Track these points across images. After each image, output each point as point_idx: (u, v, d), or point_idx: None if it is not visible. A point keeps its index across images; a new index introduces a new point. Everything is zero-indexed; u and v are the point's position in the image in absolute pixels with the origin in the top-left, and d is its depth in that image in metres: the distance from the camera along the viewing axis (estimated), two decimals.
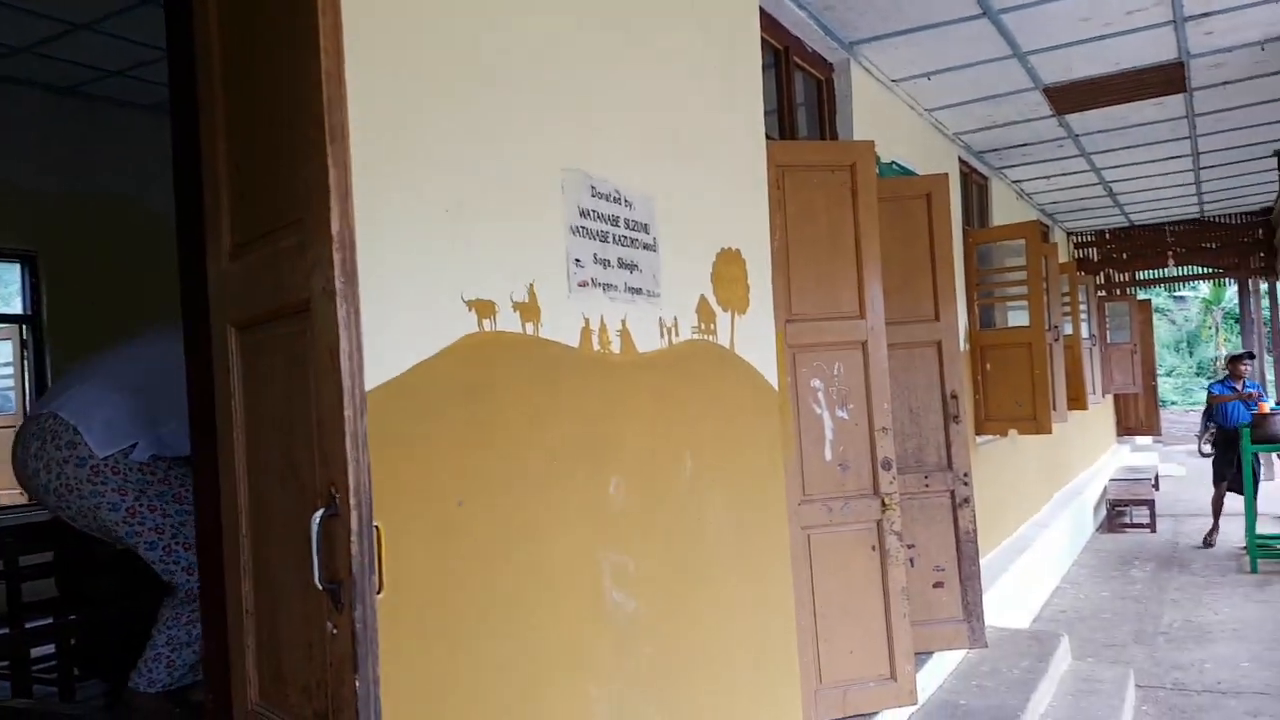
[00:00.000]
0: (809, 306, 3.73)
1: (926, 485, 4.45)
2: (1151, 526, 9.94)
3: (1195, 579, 7.68)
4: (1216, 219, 10.26)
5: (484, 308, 2.16)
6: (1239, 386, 8.46)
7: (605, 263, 2.58)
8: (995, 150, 6.62)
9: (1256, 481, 8.19)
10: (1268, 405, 8.08)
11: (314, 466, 1.51)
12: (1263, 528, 8.09)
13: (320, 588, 1.41)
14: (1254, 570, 7.70)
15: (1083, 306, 9.79)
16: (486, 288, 2.17)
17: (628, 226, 2.69)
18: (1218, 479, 8.57)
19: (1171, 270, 10.69)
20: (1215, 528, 8.70)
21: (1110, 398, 13.89)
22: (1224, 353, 34.33)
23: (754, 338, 3.38)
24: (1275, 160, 7.40)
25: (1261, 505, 8.37)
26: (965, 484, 4.47)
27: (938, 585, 4.44)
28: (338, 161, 1.50)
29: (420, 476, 1.93)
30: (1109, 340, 12.42)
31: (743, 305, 3.32)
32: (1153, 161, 7.28)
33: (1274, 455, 9.62)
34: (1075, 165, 7.27)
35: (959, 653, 4.68)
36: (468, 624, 2.05)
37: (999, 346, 6.29)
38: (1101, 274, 11.19)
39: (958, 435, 4.48)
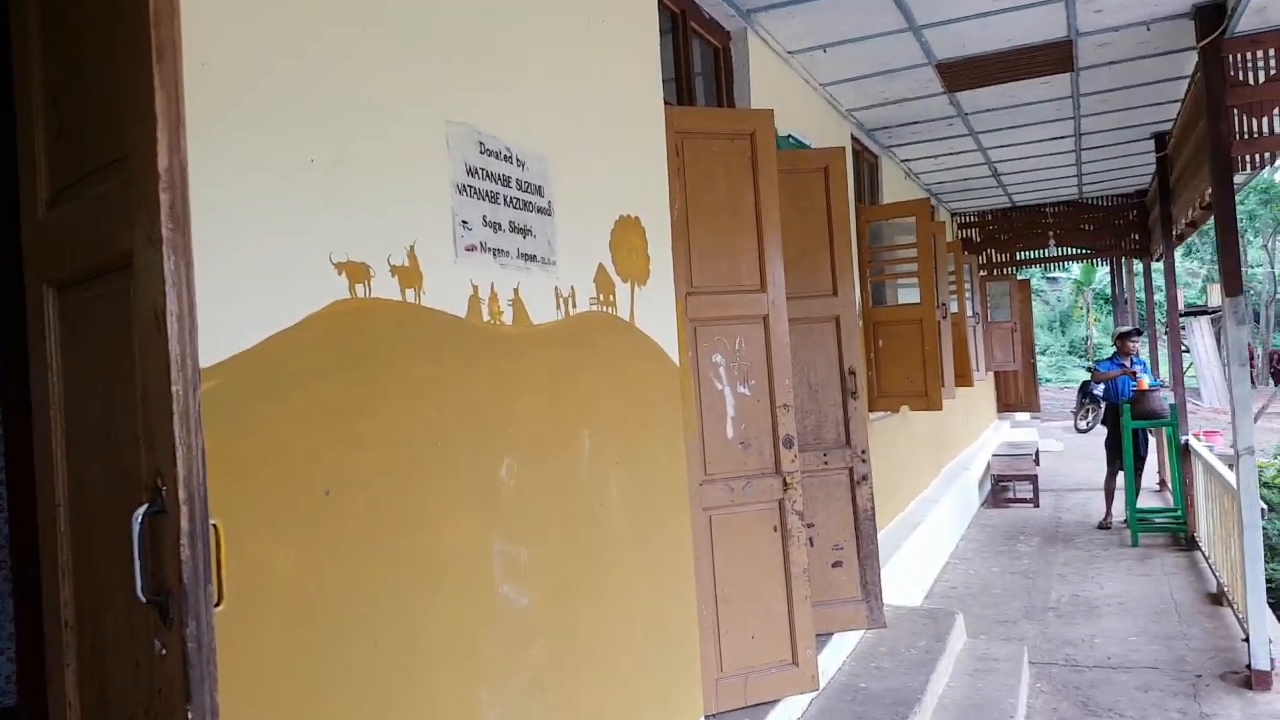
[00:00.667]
0: (710, 279, 3.58)
1: (825, 463, 4.39)
2: (1034, 501, 10.28)
3: (1080, 553, 7.94)
4: (1093, 201, 10.66)
5: (357, 271, 1.91)
6: (1127, 364, 8.70)
7: (496, 226, 2.36)
8: (886, 128, 6.64)
9: (1141, 458, 8.47)
10: (1146, 381, 8.41)
11: (139, 453, 1.26)
12: (1141, 502, 8.43)
13: (144, 600, 1.16)
14: (1135, 544, 8.00)
15: (966, 286, 10.05)
16: (360, 249, 1.92)
17: (520, 188, 2.47)
18: (1111, 459, 8.71)
19: (1052, 251, 11.05)
20: (1109, 511, 8.80)
21: (991, 375, 14.40)
22: (1094, 332, 36.27)
23: (655, 311, 3.21)
24: (1153, 144, 7.67)
25: (1145, 480, 8.68)
26: (864, 461, 4.43)
27: (836, 565, 4.40)
28: (166, 83, 1.24)
29: (278, 464, 1.68)
30: (990, 319, 12.85)
31: (643, 276, 3.14)
32: (1037, 142, 7.44)
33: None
34: (963, 145, 7.38)
35: (857, 633, 4.66)
36: (339, 628, 1.81)
37: (891, 323, 6.32)
38: (983, 254, 11.51)
39: (856, 412, 4.43)
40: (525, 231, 2.47)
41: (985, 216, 11.27)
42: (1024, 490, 10.53)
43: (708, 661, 3.45)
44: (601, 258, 2.87)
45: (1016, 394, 15.50)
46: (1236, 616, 5.49)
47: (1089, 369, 9.23)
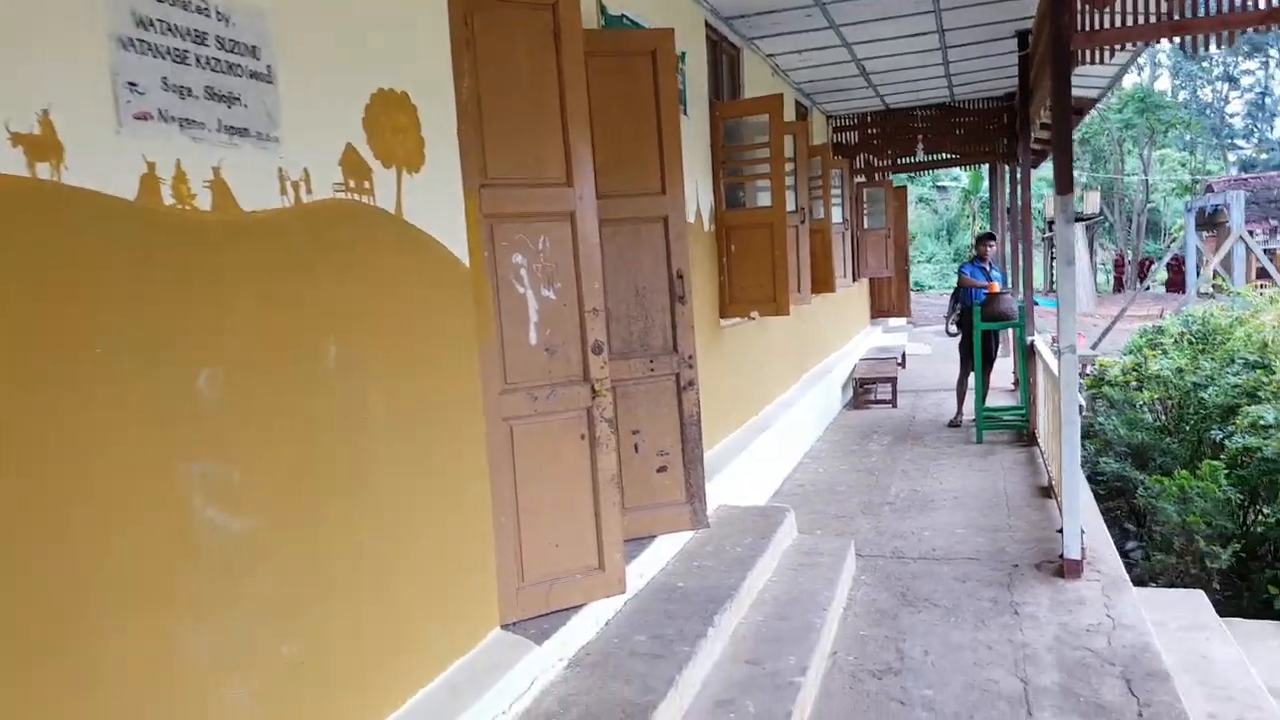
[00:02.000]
0: (509, 170, 3.27)
1: (652, 369, 4.22)
2: (893, 402, 10.51)
3: (927, 450, 8.14)
4: (964, 104, 10.62)
5: None
6: (986, 267, 8.83)
7: (184, 91, 1.99)
8: (744, 17, 6.31)
9: (990, 359, 8.67)
10: (997, 285, 8.54)
11: None
12: (993, 401, 8.65)
13: None
14: (979, 441, 8.25)
15: (837, 191, 9.96)
16: None
17: (223, 47, 2.10)
18: (963, 360, 8.92)
19: (925, 157, 11.04)
20: (960, 410, 9.02)
21: (865, 282, 14.57)
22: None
23: (434, 203, 2.90)
24: (1016, 42, 7.56)
25: (994, 380, 8.92)
26: (690, 367, 4.27)
27: (661, 470, 4.28)
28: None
29: None
30: (865, 226, 12.89)
31: (415, 162, 2.81)
32: (901, 38, 7.25)
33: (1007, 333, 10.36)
34: (826, 39, 7.13)
35: (685, 535, 4.59)
36: None
37: (742, 228, 6.14)
38: (860, 159, 11.42)
39: (683, 317, 4.25)
40: (231, 99, 2.11)
41: (863, 120, 11.15)
42: (885, 392, 10.74)
43: (508, 571, 3.29)
44: (351, 137, 2.53)
45: (889, 300, 15.76)
46: (1060, 509, 5.68)
47: (957, 273, 9.29)
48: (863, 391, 11.03)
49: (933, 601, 4.57)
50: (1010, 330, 9.37)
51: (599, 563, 3.52)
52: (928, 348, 16.02)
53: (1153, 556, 5.92)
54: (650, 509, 4.26)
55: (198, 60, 2.03)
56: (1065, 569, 4.74)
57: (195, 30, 2.03)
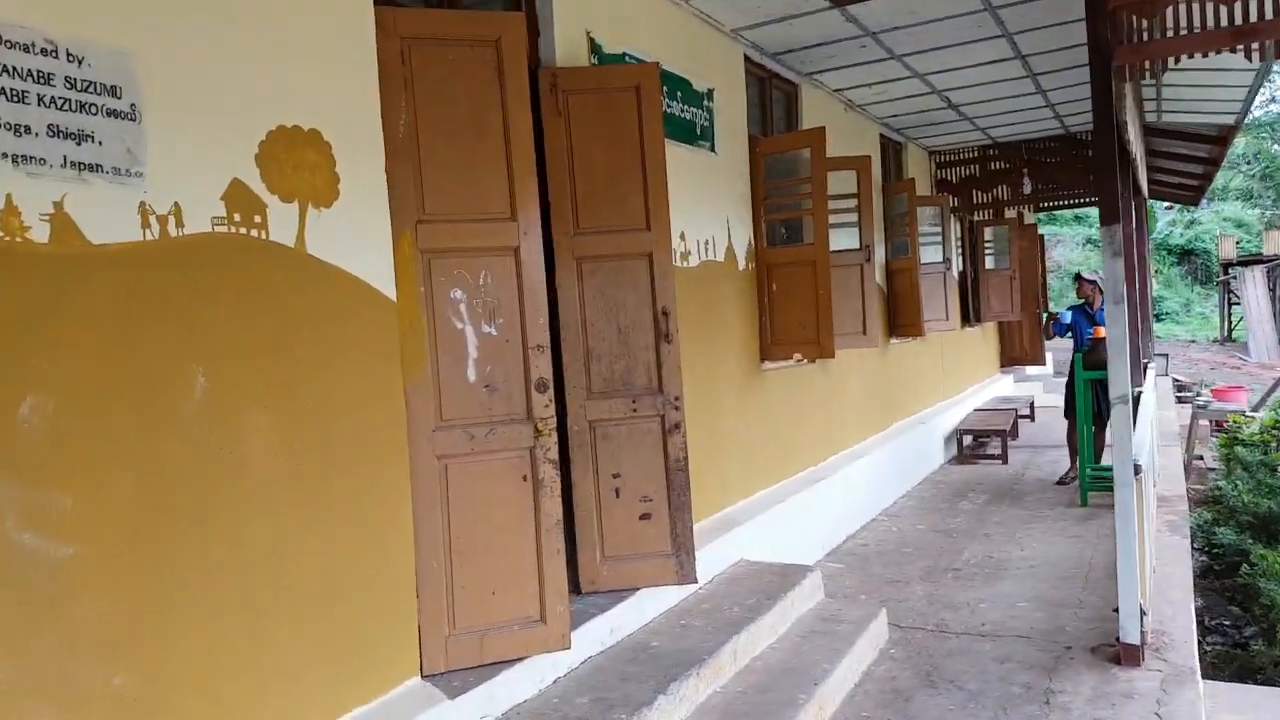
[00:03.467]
0: (448, 206, 3.24)
1: (634, 410, 4.06)
2: (1003, 458, 9.78)
3: (1021, 512, 7.49)
4: (1079, 135, 9.91)
5: None
6: (1092, 311, 8.13)
7: (21, 130, 2.06)
8: (792, 51, 6.10)
9: (1103, 411, 7.90)
10: (1103, 330, 7.83)
11: None
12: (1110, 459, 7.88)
13: None
14: (1084, 504, 7.53)
15: (934, 228, 9.47)
16: None
17: (73, 87, 2.17)
18: (1068, 411, 8.23)
19: (1029, 191, 10.33)
20: (1073, 464, 8.22)
21: (993, 326, 13.76)
22: (1152, 286, 34.71)
23: (351, 236, 2.90)
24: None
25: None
26: (676, 409, 4.08)
27: (645, 518, 4.08)
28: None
29: None
30: (987, 266, 12.21)
31: (324, 197, 2.82)
32: (976, 66, 6.81)
33: None
34: (893, 70, 6.79)
35: (682, 590, 4.36)
36: None
37: (783, 265, 5.89)
38: (969, 194, 10.78)
39: (669, 356, 4.07)
40: (82, 137, 2.17)
41: (965, 155, 10.60)
42: (995, 447, 10.04)
43: (436, 617, 3.20)
44: (239, 172, 2.56)
45: (1020, 346, 14.82)
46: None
47: (1045, 316, 8.62)
48: (978, 444, 10.36)
49: (958, 684, 4.12)
50: None
51: (540, 614, 3.37)
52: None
53: (1251, 645, 5.15)
54: (631, 559, 4.07)
55: (39, 100, 2.10)
56: (1122, 655, 4.19)
57: (38, 71, 2.10)
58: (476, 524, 3.28)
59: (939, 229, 9.58)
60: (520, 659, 3.33)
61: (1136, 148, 6.89)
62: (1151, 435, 6.94)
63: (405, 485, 3.10)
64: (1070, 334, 8.38)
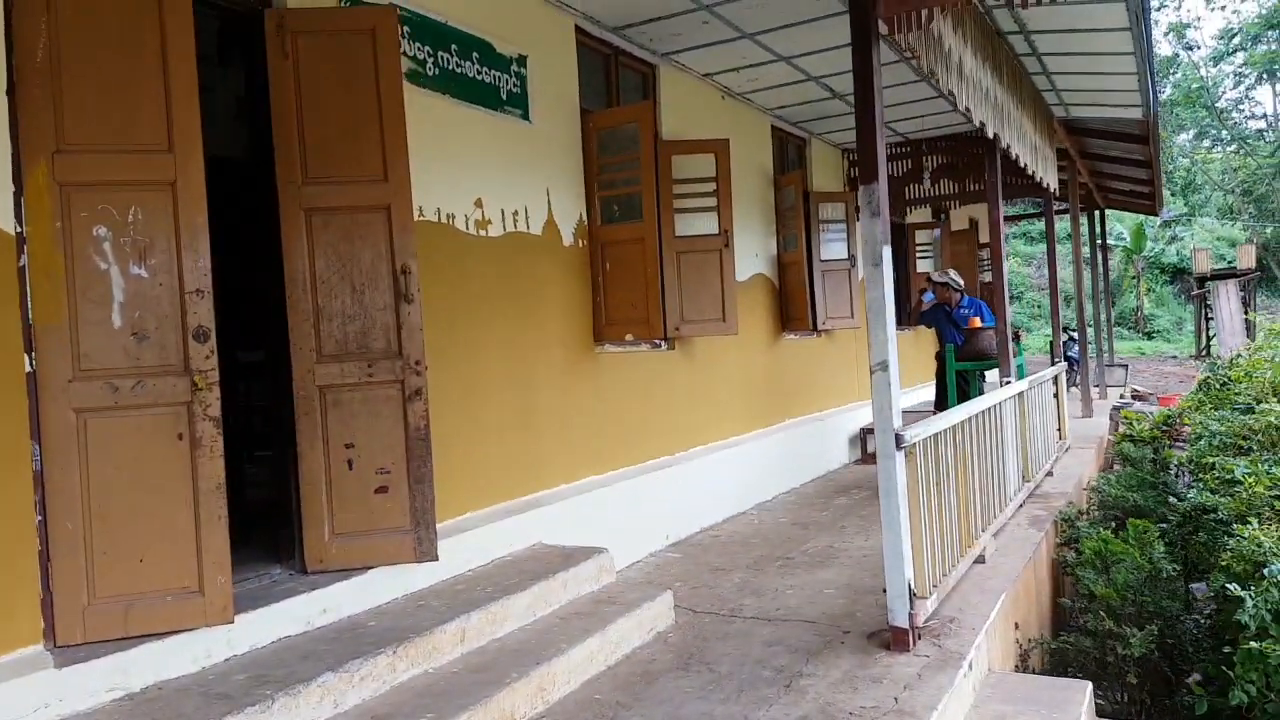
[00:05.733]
0: (93, 135, 2.98)
1: (370, 375, 3.78)
2: None
3: None
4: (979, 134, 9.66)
5: None
6: (949, 309, 8.02)
7: None
8: (633, 26, 5.83)
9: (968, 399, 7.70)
10: (978, 320, 7.59)
11: None
12: None
13: None
14: None
15: (841, 224, 9.20)
16: None
17: None
18: (938, 405, 8.06)
19: (927, 189, 10.04)
20: None
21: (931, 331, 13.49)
22: (1144, 303, 34.39)
23: None
24: None
25: None
26: (418, 374, 3.80)
27: (381, 490, 3.79)
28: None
29: None
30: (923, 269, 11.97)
31: None
32: (841, 49, 6.58)
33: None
34: (754, 53, 6.55)
35: (437, 570, 4.06)
36: None
37: (616, 244, 5.62)
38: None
39: (410, 318, 3.80)
40: None
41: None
42: None
43: (71, 585, 2.91)
44: None
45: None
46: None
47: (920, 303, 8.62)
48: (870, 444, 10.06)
49: (711, 666, 3.82)
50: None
51: (198, 585, 3.08)
52: None
53: (1060, 636, 4.86)
54: (365, 535, 3.78)
55: None
56: (892, 640, 3.89)
57: None
58: (121, 485, 3.00)
59: (844, 225, 9.31)
60: (174, 633, 3.04)
61: (1014, 141, 6.62)
62: (1022, 425, 6.65)
63: (22, 439, 2.82)
64: (933, 326, 8.37)
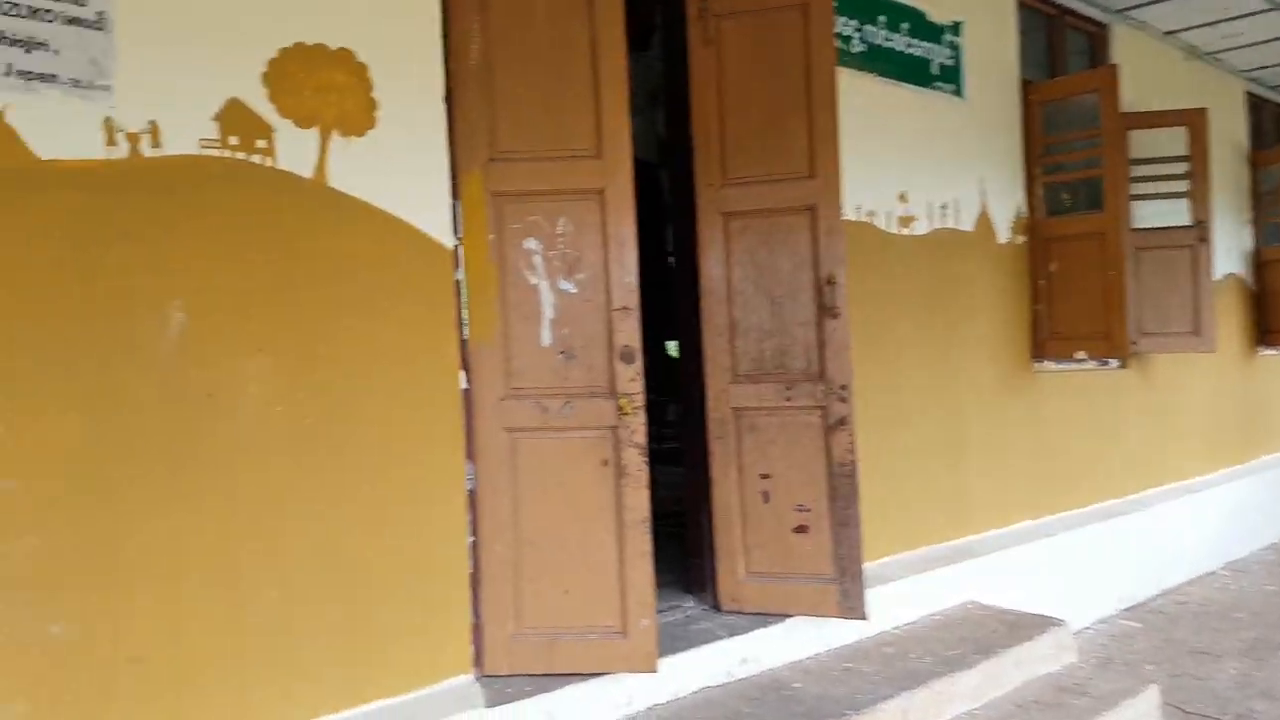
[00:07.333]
0: (524, 142, 2.81)
1: (788, 399, 3.31)
2: None
3: None
4: None
5: None
6: None
7: None
8: None
9: None
10: None
11: None
12: None
13: None
14: None
15: None
16: None
17: None
18: None
19: None
20: None
21: None
22: None
23: (390, 171, 2.59)
24: None
25: None
26: (842, 400, 3.26)
27: (800, 530, 3.31)
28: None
29: None
30: None
31: (354, 125, 2.54)
32: None
33: None
34: (1239, 1, 5.21)
35: (862, 626, 3.51)
36: None
37: (1064, 240, 4.67)
38: None
39: (834, 335, 3.27)
40: (32, 44, 2.06)
41: None
42: None
43: (500, 610, 2.77)
44: (239, 91, 2.34)
45: None
46: None
47: None
48: None
49: None
50: None
51: (621, 625, 2.79)
52: None
53: None
54: (781, 578, 3.33)
55: None
56: None
57: None
58: (549, 510, 2.80)
59: None
60: (595, 675, 2.79)
61: None
62: None
63: (457, 458, 2.71)
64: None
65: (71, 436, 2.09)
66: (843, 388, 3.27)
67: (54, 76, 2.08)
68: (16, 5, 2.05)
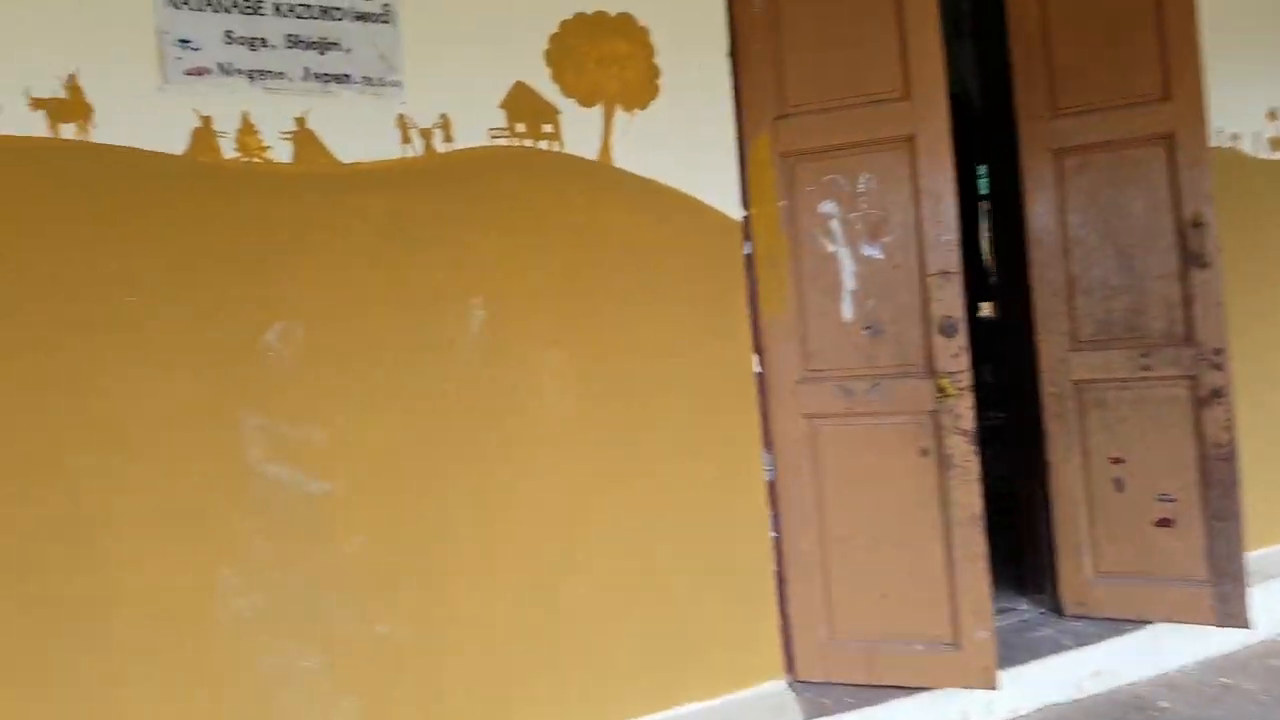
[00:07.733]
0: (815, 93, 2.49)
1: (1145, 368, 2.77)
2: None
3: None
4: None
5: None
6: None
7: (256, 43, 2.00)
8: None
9: None
10: None
11: None
12: None
13: None
14: None
15: None
16: None
17: None
18: None
19: None
20: None
21: None
22: None
23: (674, 145, 2.40)
24: None
25: None
26: (1217, 366, 2.67)
27: (1163, 523, 2.77)
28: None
29: None
30: None
31: (637, 97, 2.36)
32: None
33: None
34: None
35: (1231, 634, 2.92)
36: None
37: None
38: None
39: (1205, 288, 2.68)
40: (325, 45, 2.04)
41: None
42: None
43: (809, 614, 2.54)
44: (523, 73, 2.22)
45: None
46: None
47: None
48: None
49: None
50: None
51: (951, 636, 2.46)
52: None
53: None
54: (1139, 579, 2.82)
55: (278, 9, 2.01)
56: None
57: None
58: (858, 505, 2.51)
59: None
60: (921, 689, 2.48)
61: None
62: None
63: (754, 448, 2.49)
64: None
65: (390, 436, 2.09)
66: (1216, 352, 2.69)
67: (347, 77, 2.06)
68: (309, 6, 2.04)
